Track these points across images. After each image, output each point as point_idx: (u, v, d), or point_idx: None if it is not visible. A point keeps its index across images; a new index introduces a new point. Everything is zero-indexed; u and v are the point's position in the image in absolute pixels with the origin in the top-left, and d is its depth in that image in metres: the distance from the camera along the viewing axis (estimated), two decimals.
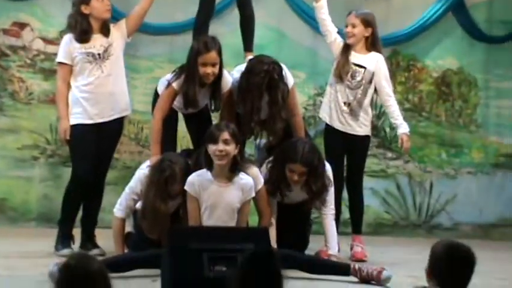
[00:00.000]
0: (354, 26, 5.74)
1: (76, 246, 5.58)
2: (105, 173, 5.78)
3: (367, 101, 5.80)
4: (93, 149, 5.56)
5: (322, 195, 5.20)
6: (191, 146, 5.76)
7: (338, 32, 5.87)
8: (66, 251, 5.42)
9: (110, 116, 5.61)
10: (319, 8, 5.82)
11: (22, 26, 6.95)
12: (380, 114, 6.36)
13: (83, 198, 5.65)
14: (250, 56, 5.68)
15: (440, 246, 3.56)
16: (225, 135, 4.88)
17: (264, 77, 5.23)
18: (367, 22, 5.78)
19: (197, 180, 4.93)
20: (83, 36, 5.52)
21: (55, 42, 6.60)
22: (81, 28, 5.52)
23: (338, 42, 5.80)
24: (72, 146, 5.64)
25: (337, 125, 5.79)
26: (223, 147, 4.85)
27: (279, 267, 2.92)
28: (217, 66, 5.31)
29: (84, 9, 5.51)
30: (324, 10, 5.81)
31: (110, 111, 5.61)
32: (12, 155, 6.91)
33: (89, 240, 5.61)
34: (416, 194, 7.42)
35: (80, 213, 5.72)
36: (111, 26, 5.64)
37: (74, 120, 5.54)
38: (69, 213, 5.64)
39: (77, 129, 5.53)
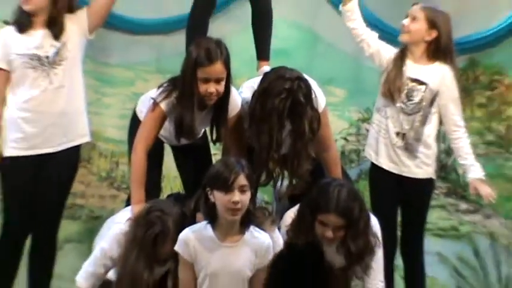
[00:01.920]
0: (414, 19, 5.92)
1: None
2: (55, 224, 5.86)
3: (428, 131, 5.96)
4: (34, 191, 5.67)
5: (365, 259, 5.13)
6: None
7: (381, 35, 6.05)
8: None
9: (60, 144, 5.74)
10: (347, 14, 6.01)
11: None
12: (450, 149, 6.37)
13: (18, 259, 5.73)
14: (265, 67, 5.85)
15: None
16: (242, 179, 4.82)
17: (285, 98, 5.24)
18: (433, 22, 5.92)
19: (193, 238, 4.94)
20: (21, 30, 5.67)
21: None
22: (19, 20, 5.69)
23: (383, 53, 5.99)
24: (5, 186, 5.77)
25: (387, 165, 5.97)
26: (239, 197, 4.81)
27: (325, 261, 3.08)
28: (223, 83, 5.35)
29: None
30: (355, 15, 6.00)
31: (61, 137, 5.73)
32: None
33: None
34: (503, 262, 7.54)
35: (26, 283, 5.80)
36: (67, 17, 5.72)
37: (9, 151, 5.68)
38: (3, 283, 5.75)
39: (12, 164, 5.68)
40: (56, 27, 5.68)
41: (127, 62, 7.24)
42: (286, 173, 5.55)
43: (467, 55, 7.31)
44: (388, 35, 6.32)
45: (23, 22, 5.67)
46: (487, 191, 5.98)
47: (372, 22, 6.41)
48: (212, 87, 5.31)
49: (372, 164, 6.06)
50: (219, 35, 5.61)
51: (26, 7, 5.62)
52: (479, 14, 7.49)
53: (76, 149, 5.87)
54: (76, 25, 5.76)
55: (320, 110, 5.46)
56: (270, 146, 5.30)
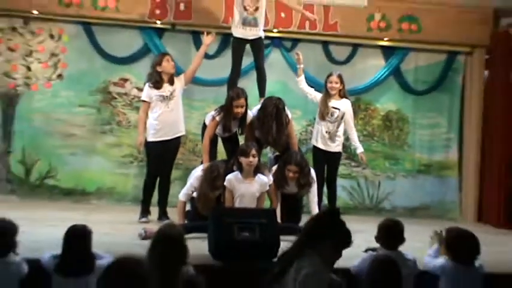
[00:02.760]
0: (336, 83, 5.72)
1: (155, 217, 5.62)
2: (169, 171, 5.72)
3: (340, 130, 5.77)
4: (160, 156, 5.56)
5: (307, 188, 5.17)
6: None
7: (315, 88, 5.93)
8: (144, 219, 5.53)
9: (172, 135, 5.59)
10: (299, 80, 5.85)
11: (125, 80, 6.94)
12: (348, 138, 6.12)
13: (154, 187, 5.66)
14: (263, 99, 5.64)
15: (385, 221, 3.67)
16: (253, 151, 4.87)
17: (273, 108, 5.22)
18: (342, 79, 5.76)
19: (232, 178, 4.92)
20: (156, 85, 5.52)
21: None
22: (156, 79, 5.53)
23: (317, 97, 5.80)
24: (148, 155, 5.68)
25: (321, 146, 5.75)
26: (252, 159, 4.85)
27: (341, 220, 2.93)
28: (245, 107, 5.30)
29: (158, 68, 5.55)
30: (303, 82, 5.85)
31: (173, 132, 5.59)
32: (117, 160, 6.90)
33: (163, 214, 5.62)
34: (370, 188, 7.31)
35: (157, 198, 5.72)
36: (175, 78, 5.63)
37: (150, 138, 5.55)
38: (146, 196, 5.67)
39: (151, 144, 5.55)
40: (171, 81, 5.58)
41: (201, 98, 6.95)
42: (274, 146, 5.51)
43: (355, 96, 7.03)
44: (318, 86, 6.10)
45: (158, 80, 5.55)
46: (364, 159, 5.98)
47: (310, 79, 6.29)
48: (239, 110, 5.27)
49: (314, 145, 5.85)
50: (242, 86, 5.61)
51: (172, 70, 5.58)
52: (360, 77, 7.25)
53: (179, 137, 5.72)
54: (179, 82, 5.64)
55: (289, 117, 5.40)
56: (267, 133, 5.24)
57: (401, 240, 3.68)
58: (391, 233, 3.66)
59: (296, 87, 6.09)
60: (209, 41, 5.81)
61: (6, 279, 3.22)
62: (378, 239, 3.69)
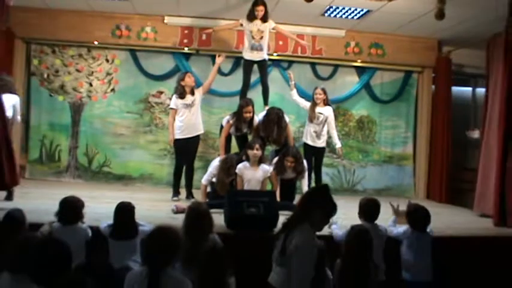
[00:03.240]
0: (321, 94, 5.65)
1: (183, 197, 5.54)
2: (193, 161, 5.61)
3: (324, 130, 5.69)
4: (185, 149, 5.46)
5: (302, 174, 5.09)
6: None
7: (305, 98, 5.85)
8: (175, 198, 5.44)
9: (193, 133, 5.49)
10: (292, 94, 5.76)
11: (161, 92, 6.89)
12: (330, 136, 5.98)
13: (181, 173, 5.55)
14: (266, 107, 5.61)
15: (363, 200, 3.64)
16: (257, 145, 4.80)
17: (275, 115, 5.19)
18: (325, 91, 5.70)
19: (242, 167, 4.86)
20: (181, 95, 5.42)
21: None
22: (180, 91, 5.44)
23: (307, 105, 5.73)
24: (176, 150, 5.57)
25: (310, 143, 5.69)
26: (256, 151, 4.78)
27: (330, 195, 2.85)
28: (252, 113, 5.24)
29: (182, 82, 5.46)
30: (295, 94, 5.75)
31: (193, 131, 5.48)
32: (155, 153, 6.87)
33: (189, 194, 5.56)
34: (347, 175, 7.24)
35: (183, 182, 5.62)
36: (195, 90, 5.52)
37: (177, 136, 5.45)
38: (176, 181, 5.58)
39: (178, 141, 5.46)
40: (192, 92, 5.45)
41: (219, 106, 6.86)
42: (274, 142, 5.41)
43: (336, 104, 6.95)
44: (307, 96, 6.02)
45: (182, 91, 5.44)
46: (341, 152, 5.88)
47: (302, 91, 6.23)
48: (247, 115, 5.18)
49: (304, 142, 5.78)
50: (250, 96, 5.52)
51: (192, 84, 5.43)
52: (340, 89, 7.18)
53: (199, 135, 5.60)
54: (198, 93, 5.53)
55: (286, 122, 5.33)
56: (270, 133, 5.18)
57: (378, 214, 3.66)
58: (370, 210, 3.64)
59: (289, 97, 6.01)
60: (220, 61, 5.75)
61: (76, 240, 3.30)
62: (359, 214, 3.66)
